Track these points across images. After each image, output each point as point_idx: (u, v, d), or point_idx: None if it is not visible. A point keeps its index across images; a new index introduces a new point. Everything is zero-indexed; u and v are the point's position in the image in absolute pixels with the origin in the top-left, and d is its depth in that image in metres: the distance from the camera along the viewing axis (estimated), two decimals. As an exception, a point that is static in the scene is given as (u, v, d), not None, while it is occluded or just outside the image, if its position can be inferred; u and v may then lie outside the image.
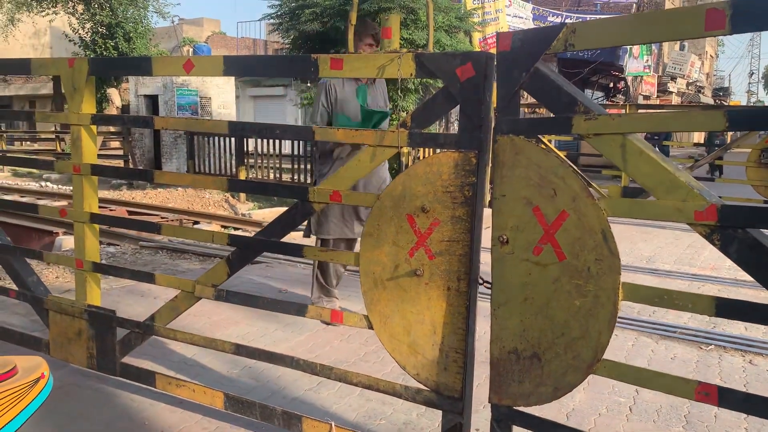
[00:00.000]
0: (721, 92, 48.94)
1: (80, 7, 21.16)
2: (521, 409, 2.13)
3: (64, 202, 10.84)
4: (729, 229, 1.64)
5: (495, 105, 2.11)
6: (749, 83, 66.07)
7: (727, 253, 1.66)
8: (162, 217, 10.23)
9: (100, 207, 10.65)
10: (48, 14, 21.27)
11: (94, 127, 3.01)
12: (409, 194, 2.25)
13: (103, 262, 6.57)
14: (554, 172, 1.94)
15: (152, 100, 15.35)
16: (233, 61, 2.54)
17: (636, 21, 1.80)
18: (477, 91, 2.10)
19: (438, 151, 2.23)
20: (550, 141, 11.71)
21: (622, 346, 3.93)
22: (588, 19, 19.71)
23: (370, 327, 2.40)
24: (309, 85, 12.54)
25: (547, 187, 1.95)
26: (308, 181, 12.50)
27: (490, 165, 2.17)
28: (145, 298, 4.73)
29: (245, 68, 2.57)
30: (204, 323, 4.19)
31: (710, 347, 3.97)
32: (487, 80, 2.09)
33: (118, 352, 3.03)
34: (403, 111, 11.15)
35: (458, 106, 2.17)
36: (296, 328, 4.10)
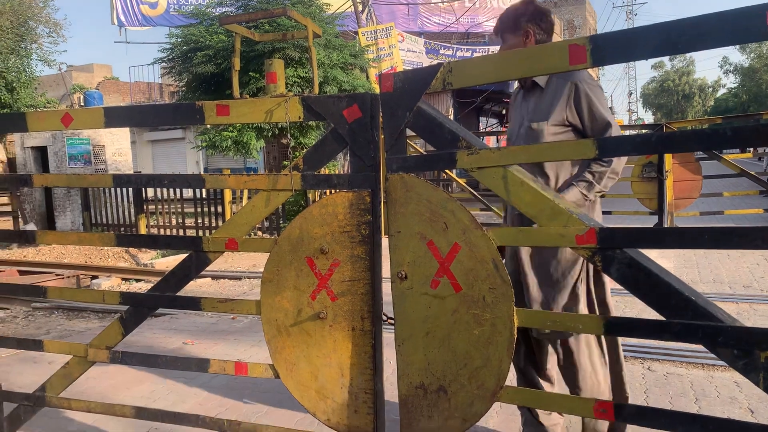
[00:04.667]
0: (605, 112, 52.02)
1: (-45, 59, 19.91)
2: (433, 443, 2.13)
3: (-56, 268, 10.03)
4: (608, 251, 1.73)
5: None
6: (629, 102, 70.88)
7: (608, 272, 1.75)
8: (57, 275, 9.63)
9: (-13, 269, 9.84)
10: None
11: (-34, 189, 2.82)
12: (307, 237, 2.24)
13: (-10, 329, 6.10)
14: (444, 207, 1.98)
15: (41, 152, 14.57)
16: (114, 113, 2.46)
17: (508, 58, 1.89)
18: (365, 132, 2.13)
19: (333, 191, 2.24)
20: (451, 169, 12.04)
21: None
22: (477, 50, 20.62)
23: (277, 376, 2.34)
24: (208, 126, 12.33)
25: (439, 221, 1.99)
26: (213, 224, 12.21)
27: (384, 202, 2.20)
28: (39, 364, 4.42)
29: (127, 119, 2.48)
30: (106, 385, 3.95)
31: (612, 358, 4.14)
32: (373, 120, 2.13)
33: (6, 429, 2.80)
34: (306, 148, 11.15)
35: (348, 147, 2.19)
36: (205, 381, 3.95)
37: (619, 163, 2.43)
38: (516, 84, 2.76)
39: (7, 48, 19.55)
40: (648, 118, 70.25)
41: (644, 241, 1.71)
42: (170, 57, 12.12)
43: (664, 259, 7.46)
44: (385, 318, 2.24)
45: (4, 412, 2.80)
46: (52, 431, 3.25)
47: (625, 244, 1.71)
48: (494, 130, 23.67)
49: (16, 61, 20.44)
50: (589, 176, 2.42)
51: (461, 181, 10.42)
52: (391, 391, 2.51)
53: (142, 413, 2.56)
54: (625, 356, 4.10)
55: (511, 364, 1.95)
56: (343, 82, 11.52)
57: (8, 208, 16.75)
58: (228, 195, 12.03)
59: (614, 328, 1.80)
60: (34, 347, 2.78)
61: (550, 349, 2.69)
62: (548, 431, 2.77)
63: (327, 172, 10.26)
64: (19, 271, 10.11)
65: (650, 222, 8.85)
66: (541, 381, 2.75)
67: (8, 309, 7.15)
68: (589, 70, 2.20)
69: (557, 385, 2.76)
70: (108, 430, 3.27)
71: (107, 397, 3.66)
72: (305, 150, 2.81)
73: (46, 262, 11.00)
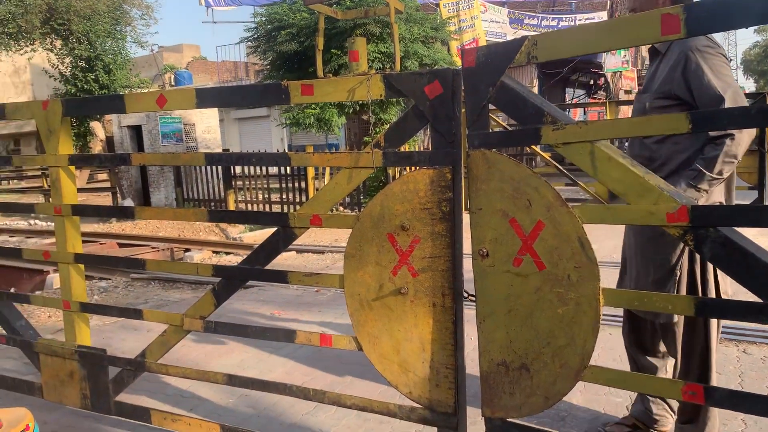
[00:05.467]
0: (701, 81, 49.04)
1: (58, 43, 21.14)
2: (514, 420, 2.14)
3: (53, 240, 10.79)
4: (701, 229, 1.66)
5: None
6: (728, 70, 66.26)
7: (700, 251, 1.68)
8: (153, 247, 10.19)
9: (91, 241, 10.52)
10: (26, 52, 21.26)
11: (72, 167, 3.02)
12: (388, 213, 2.26)
13: (95, 297, 6.55)
14: (527, 183, 1.95)
15: (136, 131, 15.34)
16: (205, 94, 2.56)
17: (595, 30, 1.83)
18: (446, 108, 2.12)
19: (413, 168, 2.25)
20: (534, 143, 11.74)
21: (616, 345, 3.94)
22: (564, 19, 19.88)
23: (360, 348, 2.40)
24: (292, 104, 12.58)
25: (522, 198, 1.97)
26: (297, 199, 12.51)
27: (465, 179, 2.19)
28: (138, 332, 4.71)
29: (218, 100, 2.58)
30: (199, 353, 4.17)
31: (704, 339, 3.98)
32: (455, 96, 2.11)
33: (112, 391, 3.01)
34: (386, 124, 11.18)
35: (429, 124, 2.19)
36: (291, 351, 4.10)
37: (734, 145, 2.19)
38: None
39: (105, 31, 20.58)
40: (749, 86, 65.73)
41: (741, 218, 1.63)
42: (255, 36, 12.40)
43: (764, 237, 7.04)
44: (466, 295, 2.24)
45: (109, 375, 3.02)
46: (152, 394, 3.47)
47: (719, 222, 1.63)
48: (581, 101, 22.88)
49: (112, 44, 21.52)
50: (698, 164, 2.24)
51: (546, 155, 10.16)
52: (472, 368, 2.53)
53: (234, 380, 2.69)
54: (719, 338, 3.93)
55: (595, 343, 1.91)
56: (424, 56, 11.43)
57: (107, 184, 17.81)
58: (311, 171, 12.28)
59: (706, 308, 1.73)
60: (135, 316, 2.97)
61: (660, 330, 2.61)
62: (653, 415, 2.69)
63: (407, 148, 10.28)
64: (118, 244, 10.76)
65: (750, 197, 8.35)
66: (649, 359, 2.66)
67: (110, 279, 7.65)
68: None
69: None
70: (201, 394, 3.47)
71: (200, 365, 3.87)
72: (386, 126, 2.82)
73: (142, 235, 11.63)
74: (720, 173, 2.23)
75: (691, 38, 2.24)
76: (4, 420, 1.46)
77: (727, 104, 2.18)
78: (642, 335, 2.68)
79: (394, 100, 11.15)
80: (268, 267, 2.60)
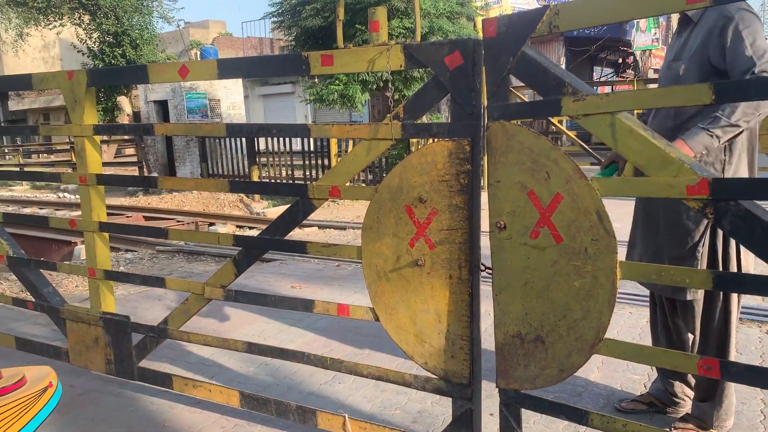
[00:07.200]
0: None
1: (86, 18, 21.35)
2: (529, 392, 2.15)
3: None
4: (721, 202, 1.63)
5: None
6: (764, 49, 64.53)
7: (720, 225, 1.65)
8: (178, 221, 10.32)
9: (118, 214, 10.67)
10: (55, 27, 21.50)
11: (97, 138, 3.06)
12: (406, 185, 2.27)
13: (121, 268, 6.67)
14: (546, 155, 1.94)
15: (162, 106, 15.46)
16: (227, 64, 2.57)
17: (618, -2, 1.79)
18: (466, 79, 2.10)
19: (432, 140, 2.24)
20: (560, 122, 11.62)
21: (636, 323, 3.92)
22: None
23: (377, 319, 2.42)
24: (316, 80, 12.55)
25: (541, 171, 1.95)
26: (319, 175, 12.55)
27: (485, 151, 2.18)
28: (162, 301, 4.80)
29: (238, 70, 2.59)
30: (220, 324, 4.25)
31: (726, 320, 3.93)
32: (475, 67, 2.09)
33: (135, 357, 3.09)
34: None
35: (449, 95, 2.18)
36: (311, 323, 4.15)
37: (744, 114, 2.11)
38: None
39: (131, 6, 20.70)
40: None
41: (764, 191, 1.60)
42: (280, 11, 12.38)
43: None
44: (483, 267, 2.24)
45: (132, 341, 3.09)
46: (174, 361, 3.55)
47: (740, 195, 1.61)
48: (609, 80, 22.48)
49: (139, 19, 21.67)
50: (717, 112, 2.14)
51: (571, 133, 10.04)
52: (489, 342, 2.54)
53: (253, 348, 2.73)
54: (741, 319, 3.89)
55: (611, 317, 1.90)
56: (449, 32, 11.31)
57: (134, 159, 18.05)
58: (334, 148, 12.29)
59: (724, 282, 1.71)
60: (157, 284, 3.02)
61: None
62: (673, 397, 2.68)
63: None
64: (144, 217, 10.92)
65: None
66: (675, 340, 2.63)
67: (135, 251, 7.78)
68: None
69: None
70: (222, 363, 3.53)
71: (221, 334, 3.93)
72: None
73: (168, 209, 11.78)
74: (737, 123, 2.13)
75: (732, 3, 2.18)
76: (28, 377, 1.51)
77: (758, 69, 2.08)
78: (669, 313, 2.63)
79: (418, 76, 11.07)
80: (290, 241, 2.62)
